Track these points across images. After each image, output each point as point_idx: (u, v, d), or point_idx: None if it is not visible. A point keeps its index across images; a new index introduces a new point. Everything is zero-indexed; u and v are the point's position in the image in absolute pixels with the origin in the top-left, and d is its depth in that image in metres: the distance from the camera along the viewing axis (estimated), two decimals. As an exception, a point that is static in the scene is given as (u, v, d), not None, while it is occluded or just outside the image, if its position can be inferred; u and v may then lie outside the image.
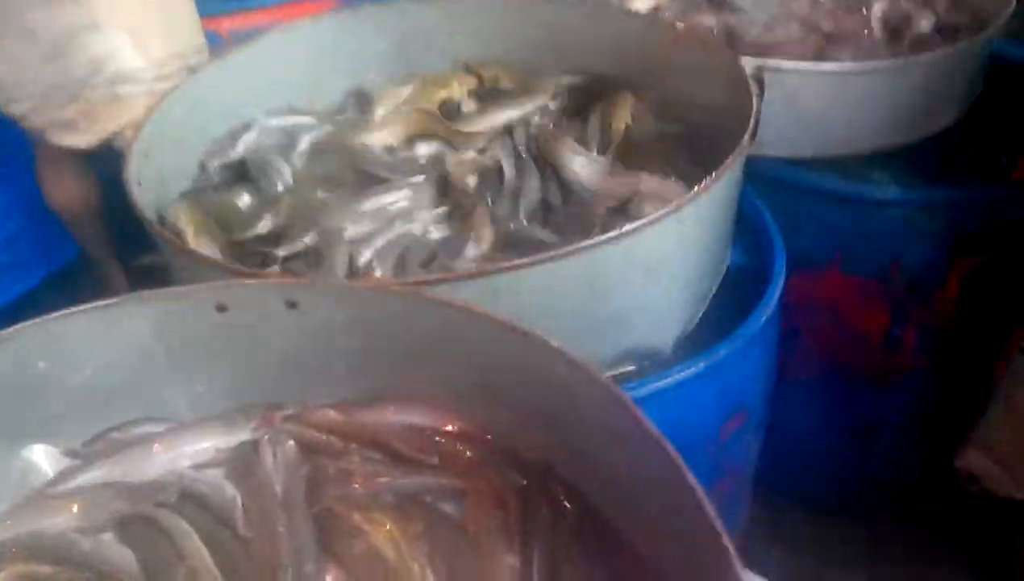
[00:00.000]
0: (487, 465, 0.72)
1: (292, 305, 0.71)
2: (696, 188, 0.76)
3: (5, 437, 0.70)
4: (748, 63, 1.09)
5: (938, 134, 1.25)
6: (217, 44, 1.48)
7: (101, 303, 0.68)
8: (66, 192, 1.17)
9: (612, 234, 0.73)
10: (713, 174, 0.77)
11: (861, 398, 1.29)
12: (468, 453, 0.73)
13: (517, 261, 0.71)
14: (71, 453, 0.74)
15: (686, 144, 1.04)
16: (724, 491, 1.02)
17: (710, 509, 0.49)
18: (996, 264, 1.21)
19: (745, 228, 1.08)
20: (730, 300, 1.00)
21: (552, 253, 0.71)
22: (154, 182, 0.97)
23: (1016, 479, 1.13)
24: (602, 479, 0.65)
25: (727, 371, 0.90)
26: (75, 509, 0.70)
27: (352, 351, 0.74)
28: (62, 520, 0.69)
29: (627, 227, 0.73)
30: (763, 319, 0.93)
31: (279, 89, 1.12)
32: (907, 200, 1.14)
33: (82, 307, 0.68)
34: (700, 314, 0.91)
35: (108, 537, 0.69)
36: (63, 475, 0.72)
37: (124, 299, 0.69)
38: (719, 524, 0.48)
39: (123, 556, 0.68)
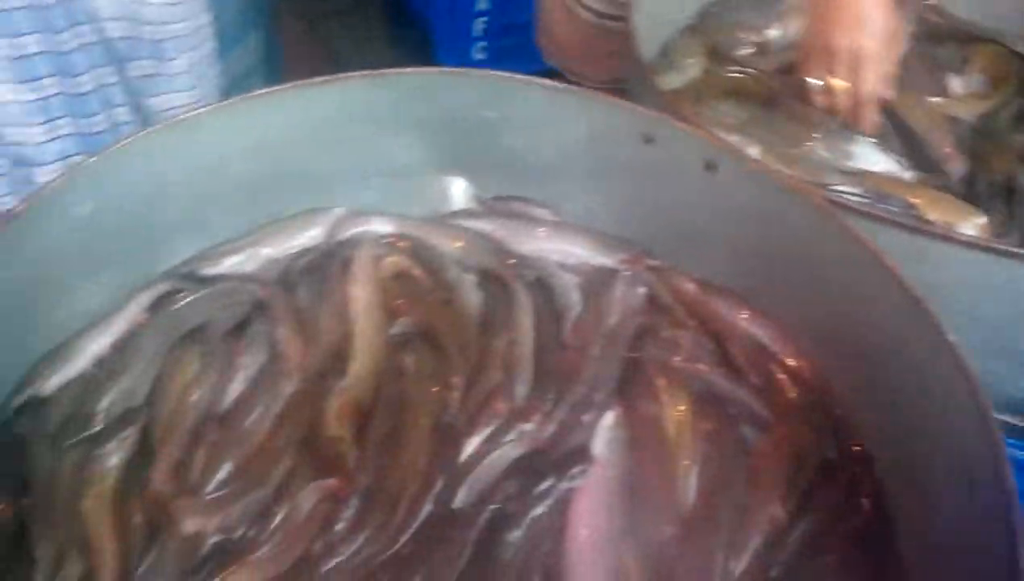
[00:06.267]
0: (806, 419, 0.67)
1: (710, 166, 0.70)
2: None
3: (434, 165, 0.81)
4: None
5: None
6: None
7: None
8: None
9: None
10: None
11: None
12: (794, 395, 0.68)
13: (957, 235, 0.61)
14: (480, 199, 0.84)
15: None
16: None
17: None
18: None
19: None
20: None
21: (995, 246, 0.60)
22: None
23: None
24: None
25: None
26: (458, 244, 0.79)
27: (739, 237, 0.71)
28: (445, 245, 0.79)
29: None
30: None
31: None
32: None
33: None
34: None
35: (470, 278, 0.78)
36: (459, 214, 0.81)
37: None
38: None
39: (472, 299, 0.76)
